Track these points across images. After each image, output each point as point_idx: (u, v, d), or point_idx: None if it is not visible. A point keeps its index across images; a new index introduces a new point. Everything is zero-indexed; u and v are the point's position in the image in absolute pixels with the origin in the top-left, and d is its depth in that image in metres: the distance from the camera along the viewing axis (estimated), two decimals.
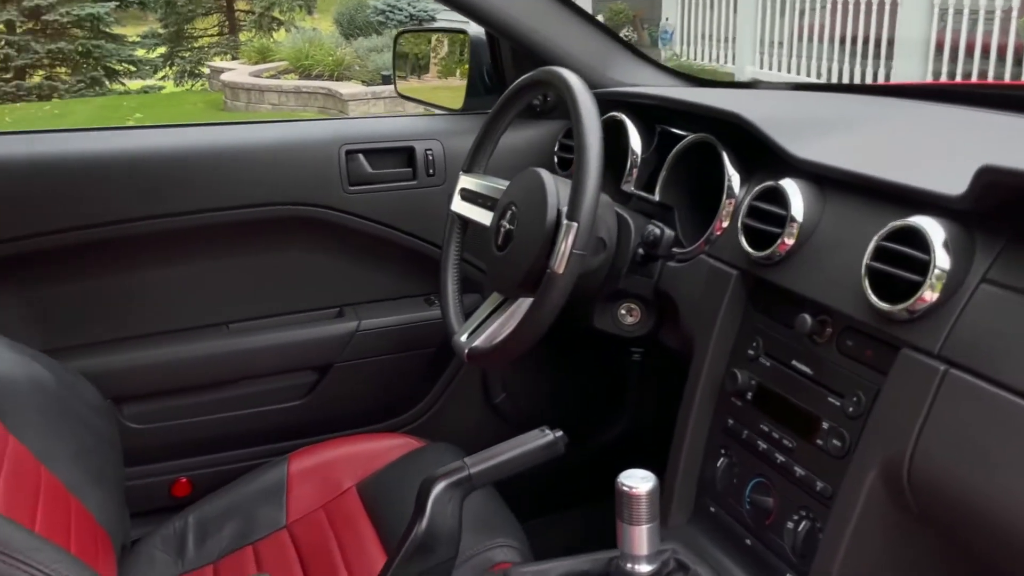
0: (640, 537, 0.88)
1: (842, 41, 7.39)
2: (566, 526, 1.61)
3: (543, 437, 0.98)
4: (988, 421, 0.72)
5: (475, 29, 1.55)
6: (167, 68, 13.27)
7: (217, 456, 1.52)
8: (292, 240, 1.51)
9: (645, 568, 0.90)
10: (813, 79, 7.58)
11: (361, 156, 1.49)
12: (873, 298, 0.84)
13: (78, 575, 0.83)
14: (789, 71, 7.99)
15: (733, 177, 1.11)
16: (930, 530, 0.81)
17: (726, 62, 8.85)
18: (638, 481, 0.88)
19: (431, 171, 1.52)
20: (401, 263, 1.57)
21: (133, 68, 12.51)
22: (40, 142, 1.37)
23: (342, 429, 1.52)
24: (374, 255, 1.56)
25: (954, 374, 0.76)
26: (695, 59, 9.26)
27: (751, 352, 1.02)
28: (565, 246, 1.03)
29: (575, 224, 1.02)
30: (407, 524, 0.95)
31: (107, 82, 12.09)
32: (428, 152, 1.51)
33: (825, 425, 0.90)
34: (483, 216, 1.31)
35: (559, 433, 0.99)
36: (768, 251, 0.98)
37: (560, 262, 1.04)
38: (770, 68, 8.24)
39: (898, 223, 0.83)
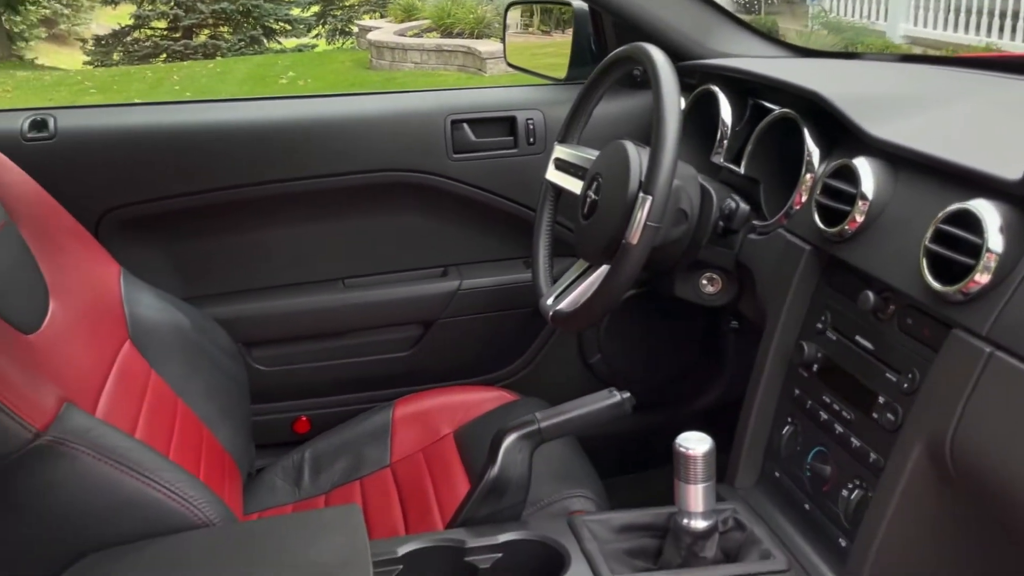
0: (696, 495, 0.95)
1: None
2: (649, 486, 1.67)
3: (611, 398, 1.05)
4: None
5: (579, 2, 1.60)
6: (320, 27, 13.76)
7: (332, 399, 1.66)
8: (401, 204, 1.62)
9: (701, 523, 0.96)
10: (972, 37, 7.12)
11: (465, 125, 1.57)
12: (930, 279, 0.86)
13: (199, 494, 0.97)
14: (946, 28, 7.53)
15: (813, 152, 1.13)
16: (970, 504, 0.84)
17: (878, 19, 8.41)
18: (694, 443, 0.94)
19: (531, 140, 1.60)
20: (501, 227, 1.66)
21: (288, 27, 13.08)
22: (183, 112, 1.52)
23: (443, 380, 1.63)
24: (476, 219, 1.65)
25: (999, 356, 0.78)
26: (844, 15, 8.84)
27: (819, 326, 1.05)
28: (640, 218, 1.09)
29: (649, 197, 1.08)
30: (480, 470, 1.04)
31: (265, 40, 12.70)
32: (529, 121, 1.58)
33: (881, 399, 0.93)
34: (574, 185, 1.37)
35: (626, 395, 1.05)
36: (838, 228, 1.01)
37: (635, 233, 1.09)
38: (925, 25, 7.78)
39: (955, 207, 0.84)
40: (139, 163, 1.46)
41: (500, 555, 0.98)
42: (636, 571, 0.96)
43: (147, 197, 1.48)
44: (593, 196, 1.25)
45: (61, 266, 1.21)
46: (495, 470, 1.02)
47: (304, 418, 1.67)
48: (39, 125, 1.44)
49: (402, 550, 0.97)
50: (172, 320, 1.37)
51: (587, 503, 1.22)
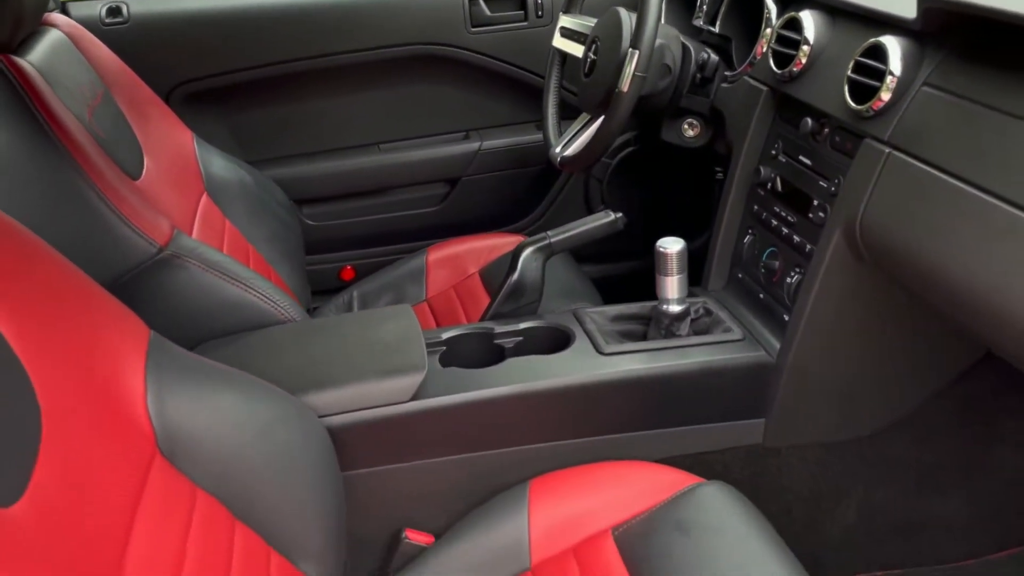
0: (672, 284, 1.21)
1: None
2: None
3: (606, 217, 1.31)
4: (913, 188, 0.98)
5: None
6: None
7: (373, 249, 1.93)
8: (427, 75, 1.85)
9: (676, 308, 1.23)
10: None
11: (481, 1, 1.79)
12: (849, 101, 1.09)
13: (282, 298, 1.24)
14: None
15: (772, 9, 1.35)
16: (878, 274, 1.09)
17: None
18: (670, 244, 1.20)
19: (540, 13, 1.81)
20: (516, 94, 1.89)
21: None
22: None
23: (469, 231, 1.89)
24: (493, 87, 1.88)
25: (895, 155, 1.02)
26: None
27: (773, 152, 1.29)
28: (630, 69, 1.32)
29: (637, 51, 1.30)
30: (503, 277, 1.31)
31: None
32: None
33: (815, 202, 1.18)
34: (577, 50, 1.59)
35: (619, 215, 1.31)
36: (787, 69, 1.24)
37: (625, 82, 1.32)
38: None
39: (870, 41, 1.07)
40: (201, 43, 1.70)
41: (521, 338, 1.26)
42: (622, 343, 1.23)
43: (209, 72, 1.72)
44: (592, 57, 1.47)
45: (147, 130, 1.46)
46: (515, 276, 1.28)
47: (349, 267, 1.95)
48: (114, 12, 1.67)
49: (445, 335, 1.25)
50: (238, 178, 1.62)
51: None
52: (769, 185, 1.29)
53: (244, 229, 1.55)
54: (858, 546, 1.27)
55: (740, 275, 1.35)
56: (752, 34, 1.42)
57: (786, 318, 1.22)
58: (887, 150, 1.03)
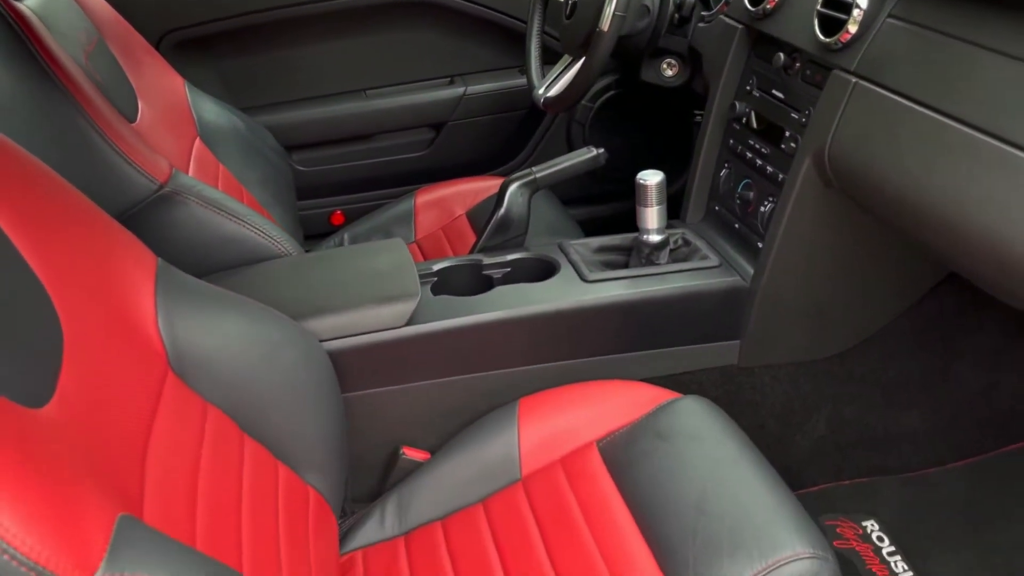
0: (652, 215, 1.27)
1: None
2: None
3: (589, 153, 1.37)
4: (879, 115, 1.04)
5: None
6: None
7: (362, 194, 1.98)
8: (412, 21, 1.88)
9: (656, 238, 1.29)
10: None
11: None
12: (819, 34, 1.15)
13: (278, 233, 1.29)
14: None
15: None
16: (845, 199, 1.16)
17: None
18: (650, 176, 1.26)
19: None
20: (499, 39, 1.93)
21: None
22: None
23: (456, 175, 1.94)
24: (477, 33, 1.92)
25: (861, 84, 1.08)
26: None
27: (748, 87, 1.35)
28: (610, 9, 1.36)
29: None
30: (491, 212, 1.36)
31: None
32: None
33: (787, 133, 1.24)
34: None
35: (601, 150, 1.36)
36: (761, 6, 1.29)
37: (606, 22, 1.37)
38: None
39: None
40: None
41: (509, 269, 1.32)
42: (605, 271, 1.29)
43: (198, 20, 1.75)
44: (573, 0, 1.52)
45: (140, 76, 1.50)
46: (502, 210, 1.34)
47: (339, 212, 2.00)
48: None
49: (436, 267, 1.30)
50: (230, 123, 1.67)
51: None
52: (744, 120, 1.35)
53: (237, 172, 1.59)
54: (827, 458, 1.35)
55: (716, 207, 1.41)
56: None
57: (760, 245, 1.28)
58: (853, 80, 1.09)
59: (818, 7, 1.16)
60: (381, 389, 1.19)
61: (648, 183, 1.25)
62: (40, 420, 0.63)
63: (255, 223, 1.28)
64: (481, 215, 1.72)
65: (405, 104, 1.92)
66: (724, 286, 1.26)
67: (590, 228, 1.72)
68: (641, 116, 2.00)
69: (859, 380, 1.32)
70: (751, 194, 1.32)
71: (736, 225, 1.35)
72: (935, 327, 1.31)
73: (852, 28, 1.10)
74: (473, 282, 1.31)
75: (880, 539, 1.27)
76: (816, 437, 1.33)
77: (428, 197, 1.82)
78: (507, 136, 2.00)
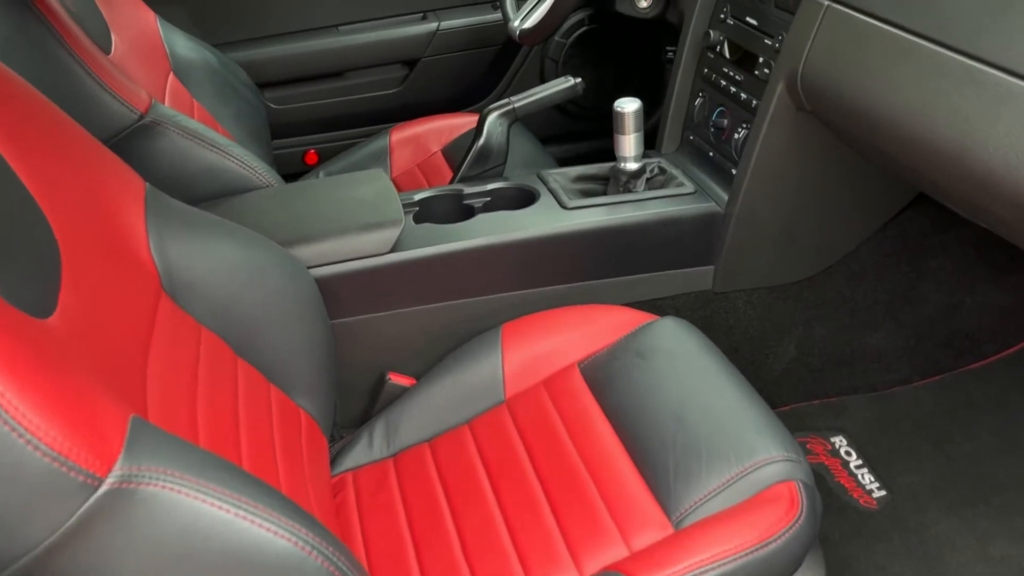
0: (628, 143, 1.30)
1: None
2: None
3: (567, 82, 1.38)
4: (849, 37, 1.07)
5: None
6: None
7: (336, 133, 1.98)
8: None
9: (632, 166, 1.32)
10: None
11: None
12: None
13: (259, 165, 1.30)
14: None
15: None
16: (817, 123, 1.19)
17: None
18: (627, 104, 1.28)
19: None
20: None
21: None
22: None
23: (430, 112, 1.94)
24: None
25: (832, 7, 1.11)
26: None
27: (722, 16, 1.37)
28: None
29: None
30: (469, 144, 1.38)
31: None
32: None
33: (760, 59, 1.26)
34: None
35: (579, 80, 1.38)
36: None
37: None
38: None
39: None
40: None
41: (489, 198, 1.34)
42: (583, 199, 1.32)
43: None
44: None
45: (112, 7, 1.48)
46: (482, 140, 1.36)
47: (312, 151, 2.00)
48: None
49: (417, 197, 1.32)
50: (203, 58, 1.65)
51: None
52: (718, 48, 1.37)
53: (212, 108, 1.59)
54: (798, 379, 1.40)
55: (691, 137, 1.44)
56: None
57: (734, 172, 1.31)
58: (826, 3, 1.11)
59: None
60: (367, 316, 1.21)
61: (625, 110, 1.27)
62: (48, 328, 0.65)
63: (236, 154, 1.29)
64: (457, 151, 1.73)
65: (378, 40, 1.91)
66: (699, 212, 1.29)
67: (566, 165, 1.74)
68: (614, 52, 2.01)
69: (828, 303, 1.37)
70: (725, 121, 1.34)
71: (711, 153, 1.38)
72: (900, 250, 1.36)
73: None
74: (454, 211, 1.33)
75: (848, 453, 1.33)
76: (788, 359, 1.38)
77: (403, 134, 1.82)
78: (481, 72, 2.00)
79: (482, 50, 1.97)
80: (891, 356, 1.42)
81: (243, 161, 1.28)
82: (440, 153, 1.78)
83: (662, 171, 1.38)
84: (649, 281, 1.31)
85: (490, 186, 1.34)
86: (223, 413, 0.90)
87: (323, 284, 1.15)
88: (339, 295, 1.18)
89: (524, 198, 1.33)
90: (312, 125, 1.96)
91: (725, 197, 1.30)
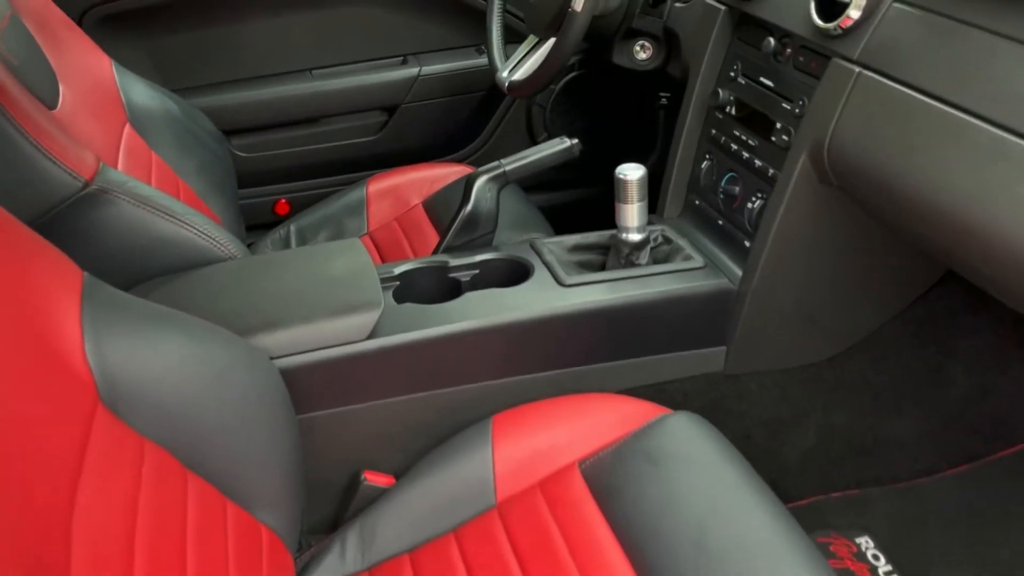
0: (632, 212, 1.18)
1: None
2: None
3: (562, 143, 1.26)
4: (886, 107, 0.96)
5: None
6: None
7: (309, 182, 1.85)
8: None
9: (636, 236, 1.20)
10: None
11: None
12: (816, 18, 1.06)
13: (221, 234, 1.17)
14: None
15: None
16: (843, 197, 1.08)
17: None
18: (631, 171, 1.16)
19: None
20: (454, 16, 1.80)
21: None
22: None
23: (410, 161, 1.82)
24: (431, 9, 1.79)
25: (865, 74, 0.99)
26: None
27: (732, 74, 1.26)
28: None
29: None
30: (456, 208, 1.25)
31: None
32: None
33: (778, 125, 1.15)
34: None
35: (575, 141, 1.26)
36: None
37: (579, 1, 1.26)
38: None
39: None
40: None
41: (477, 271, 1.21)
42: (582, 274, 1.19)
43: None
44: None
45: (61, 55, 1.34)
46: (469, 207, 1.23)
47: (283, 200, 1.86)
48: None
49: (398, 270, 1.19)
50: (163, 106, 1.52)
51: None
52: (728, 108, 1.25)
53: (172, 161, 1.45)
54: (816, 469, 1.28)
55: (697, 202, 1.32)
56: None
57: (747, 244, 1.20)
58: (857, 69, 1.00)
59: None
60: (340, 409, 1.08)
61: (629, 178, 1.15)
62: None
63: (195, 223, 1.15)
64: (439, 205, 1.61)
65: (355, 85, 1.78)
66: (710, 289, 1.17)
67: (551, 216, 1.62)
68: (605, 99, 1.90)
69: (849, 386, 1.25)
70: (737, 189, 1.23)
71: (720, 222, 1.27)
72: (927, 330, 1.25)
73: (854, 13, 1.01)
74: (439, 286, 1.20)
75: (876, 557, 1.21)
76: (805, 447, 1.26)
77: (381, 185, 1.70)
78: (464, 119, 1.88)
79: (466, 96, 1.85)
80: (916, 443, 1.30)
81: (203, 231, 1.15)
82: (421, 206, 1.65)
83: (667, 240, 1.26)
84: (655, 364, 1.19)
85: (478, 257, 1.22)
86: (169, 544, 0.77)
87: (290, 376, 1.01)
88: (309, 387, 1.05)
89: (516, 272, 1.20)
90: (283, 174, 1.83)
91: (738, 272, 1.18)
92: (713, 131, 1.29)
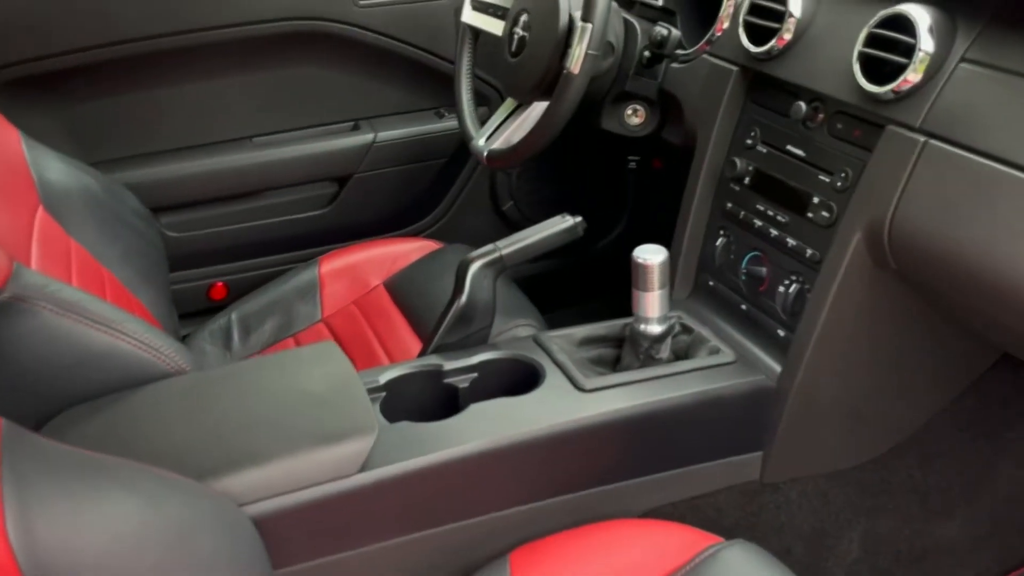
0: (653, 301, 1.02)
1: None
2: (572, 319, 1.75)
3: (564, 222, 1.10)
4: (962, 182, 0.84)
5: None
6: None
7: (250, 262, 1.64)
8: (308, 55, 1.56)
9: (657, 328, 1.04)
10: None
11: None
12: (863, 81, 0.93)
13: (165, 343, 0.96)
14: None
15: None
16: (904, 285, 0.95)
17: None
18: (651, 254, 1.00)
19: None
20: (411, 77, 1.64)
21: None
22: None
23: (365, 236, 1.63)
24: (385, 70, 1.62)
25: (933, 144, 0.87)
26: None
27: (749, 141, 1.12)
28: (581, 48, 1.11)
29: (590, 25, 1.10)
30: (448, 300, 1.07)
31: None
32: None
33: (816, 199, 1.02)
34: (494, 26, 1.37)
35: (578, 219, 1.10)
36: (767, 46, 1.07)
37: (576, 63, 1.12)
38: None
39: (889, 11, 0.91)
40: (26, 15, 1.35)
41: (476, 374, 1.03)
42: (598, 376, 1.03)
43: (37, 54, 1.37)
44: (521, 32, 1.25)
45: None
46: (464, 298, 1.05)
47: (220, 284, 1.65)
48: None
49: (384, 378, 1.00)
50: (81, 184, 1.30)
51: (532, 331, 1.28)
52: (747, 180, 1.12)
53: (94, 249, 1.24)
54: None
55: (711, 283, 1.18)
56: (702, 7, 1.25)
57: (781, 333, 1.05)
58: (922, 139, 0.88)
59: (859, 48, 0.94)
60: (326, 559, 0.88)
61: (650, 262, 1.00)
62: None
63: (132, 331, 0.94)
64: (405, 284, 1.43)
65: (302, 154, 1.59)
66: (746, 388, 1.02)
67: (528, 291, 1.46)
68: (573, 165, 1.76)
69: (895, 489, 1.12)
70: (763, 270, 1.09)
71: (743, 306, 1.12)
72: (977, 422, 1.12)
73: (914, 76, 0.89)
74: (433, 395, 1.02)
75: None
76: (850, 560, 1.11)
77: (335, 264, 1.51)
78: (423, 189, 1.71)
79: (425, 164, 1.68)
80: (965, 548, 1.17)
81: (143, 341, 0.94)
82: (383, 287, 1.47)
83: (685, 329, 1.11)
84: (685, 477, 1.03)
85: (477, 359, 1.04)
86: None
87: (264, 525, 0.81)
88: (288, 537, 0.84)
89: (523, 374, 1.03)
90: (220, 254, 1.62)
91: (774, 366, 1.03)
92: (728, 204, 1.15)
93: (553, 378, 1.00)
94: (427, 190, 1.71)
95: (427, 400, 1.01)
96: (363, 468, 0.86)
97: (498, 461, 0.92)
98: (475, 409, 0.96)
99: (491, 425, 0.93)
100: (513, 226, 1.79)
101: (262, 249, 1.64)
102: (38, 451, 0.65)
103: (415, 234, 1.72)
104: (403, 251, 1.52)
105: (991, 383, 1.10)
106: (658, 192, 1.83)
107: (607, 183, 1.80)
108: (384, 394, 0.99)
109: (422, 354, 1.07)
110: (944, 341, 1.03)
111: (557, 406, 0.96)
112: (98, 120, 1.48)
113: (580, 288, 1.84)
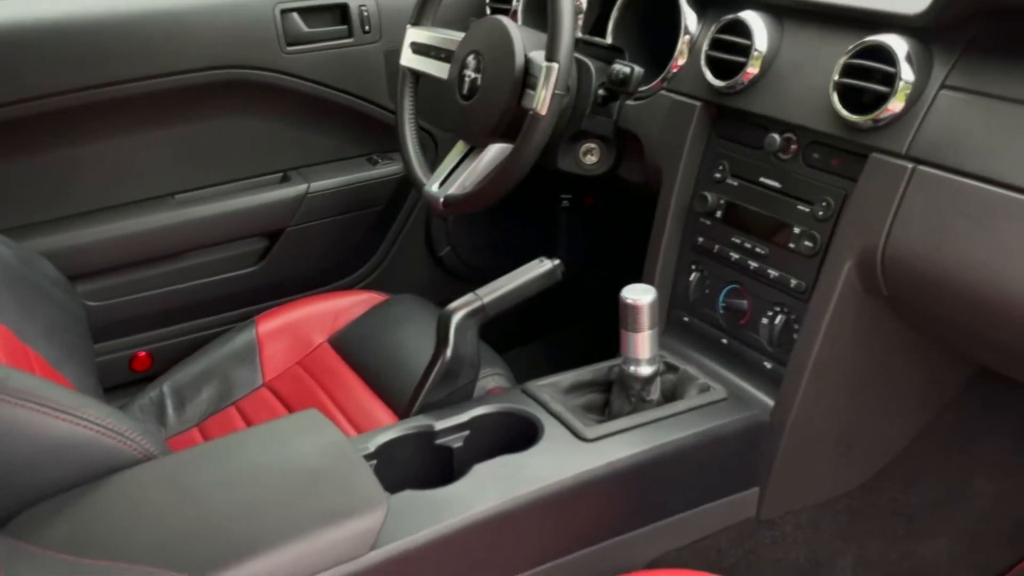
0: (643, 342, 0.99)
1: None
2: (524, 359, 1.71)
3: (542, 266, 1.06)
4: (956, 205, 0.85)
5: None
6: None
7: (177, 327, 1.52)
8: (231, 105, 1.48)
9: (647, 369, 1.01)
10: None
11: (296, 15, 1.46)
12: (842, 111, 0.94)
13: (130, 427, 0.87)
14: None
15: (688, 15, 1.18)
16: (897, 314, 0.96)
17: None
18: (639, 294, 0.98)
19: (367, 28, 1.52)
20: (342, 124, 1.58)
21: None
22: None
23: (300, 291, 1.55)
24: (315, 117, 1.55)
25: (923, 170, 0.88)
26: None
27: (717, 175, 1.12)
28: (548, 88, 1.09)
29: (555, 65, 1.08)
30: (432, 356, 1.02)
31: None
32: (363, 8, 1.50)
33: (796, 230, 1.02)
34: (438, 68, 1.33)
35: (556, 262, 1.07)
36: (732, 80, 1.07)
37: (543, 104, 1.09)
38: None
39: (868, 40, 0.93)
40: None
41: (468, 432, 0.98)
42: (597, 423, 0.99)
43: None
44: (473, 75, 1.22)
45: None
46: (448, 352, 1.00)
47: (143, 353, 1.52)
48: None
49: (374, 444, 0.93)
50: None
51: (500, 379, 1.24)
52: (718, 213, 1.12)
53: (16, 327, 1.11)
54: None
55: (686, 318, 1.17)
56: (653, 43, 1.25)
57: (768, 365, 1.05)
58: (910, 165, 0.89)
59: (836, 78, 0.95)
60: None
61: (639, 303, 0.97)
62: None
63: (94, 417, 0.84)
64: (353, 340, 1.36)
65: (228, 210, 1.50)
66: (742, 424, 1.00)
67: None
68: (506, 205, 1.73)
69: (881, 513, 1.12)
70: (744, 303, 1.08)
71: (724, 340, 1.11)
72: (953, 437, 1.15)
73: (895, 105, 0.90)
74: (426, 458, 0.96)
75: None
76: None
77: (273, 324, 1.42)
78: (358, 238, 1.64)
79: (359, 213, 1.61)
80: (948, 564, 1.19)
81: (105, 426, 0.84)
82: (328, 344, 1.39)
83: (670, 368, 1.09)
84: (686, 522, 1.00)
85: (467, 415, 0.98)
86: None
87: None
88: None
89: (518, 428, 0.98)
90: (145, 321, 1.50)
91: (766, 400, 1.03)
92: (700, 239, 1.14)
93: (552, 429, 0.96)
94: (362, 240, 1.64)
95: (421, 464, 0.95)
96: (374, 546, 0.79)
97: (511, 522, 0.87)
98: (480, 470, 0.90)
99: (501, 485, 0.88)
100: (451, 272, 1.74)
101: (190, 313, 1.53)
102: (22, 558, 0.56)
103: (351, 286, 1.64)
104: (345, 305, 1.45)
105: (965, 396, 1.12)
106: (591, 228, 1.82)
107: (543, 224, 1.78)
108: (375, 461, 0.92)
109: (407, 414, 1.01)
110: (928, 360, 1.05)
111: (563, 459, 0.92)
112: (7, 183, 1.34)
113: (525, 329, 1.81)
